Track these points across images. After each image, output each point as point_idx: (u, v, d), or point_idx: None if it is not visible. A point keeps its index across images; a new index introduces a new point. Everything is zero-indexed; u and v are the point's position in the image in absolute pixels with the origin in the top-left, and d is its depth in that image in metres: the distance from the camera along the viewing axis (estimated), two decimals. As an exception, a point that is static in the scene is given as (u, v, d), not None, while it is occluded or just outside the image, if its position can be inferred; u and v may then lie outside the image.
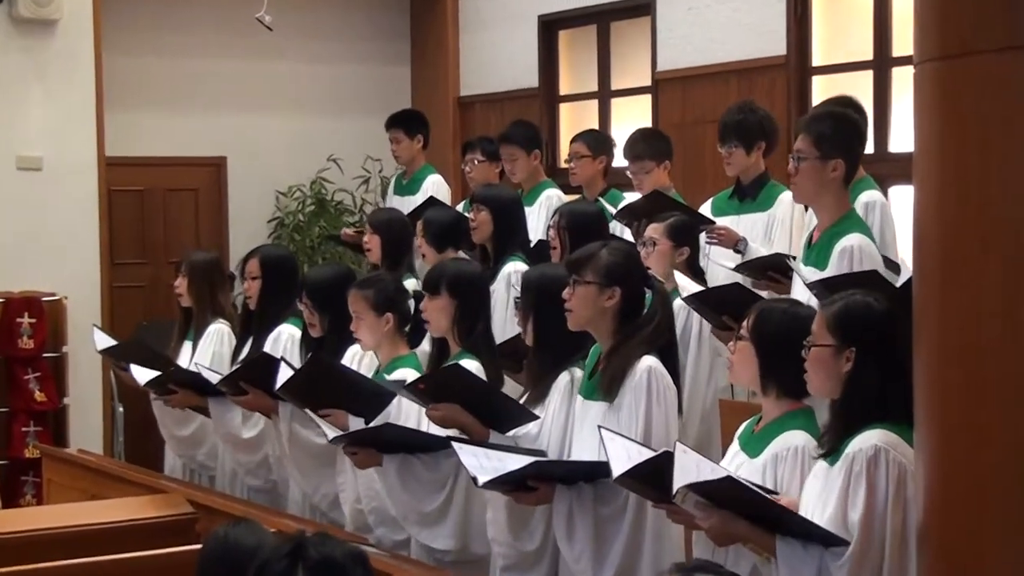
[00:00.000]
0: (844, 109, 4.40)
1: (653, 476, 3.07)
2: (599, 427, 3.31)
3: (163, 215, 8.20)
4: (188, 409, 5.08)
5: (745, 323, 3.18)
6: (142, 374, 5.04)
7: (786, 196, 5.09)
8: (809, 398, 3.16)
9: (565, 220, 4.74)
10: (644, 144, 5.57)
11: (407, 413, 4.08)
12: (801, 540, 2.82)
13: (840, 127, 4.04)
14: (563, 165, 6.11)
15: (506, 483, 3.44)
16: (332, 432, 3.95)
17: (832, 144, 3.97)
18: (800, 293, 4.01)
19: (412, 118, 6.87)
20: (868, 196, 4.71)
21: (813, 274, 3.98)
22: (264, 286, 4.99)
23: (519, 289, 3.91)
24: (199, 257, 5.44)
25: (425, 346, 4.65)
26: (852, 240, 3.99)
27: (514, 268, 5.08)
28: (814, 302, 3.75)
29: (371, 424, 4.05)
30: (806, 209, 4.88)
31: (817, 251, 4.08)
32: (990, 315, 2.25)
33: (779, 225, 5.08)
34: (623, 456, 3.14)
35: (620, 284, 3.52)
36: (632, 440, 3.30)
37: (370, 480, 4.06)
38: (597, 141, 5.89)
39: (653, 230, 4.67)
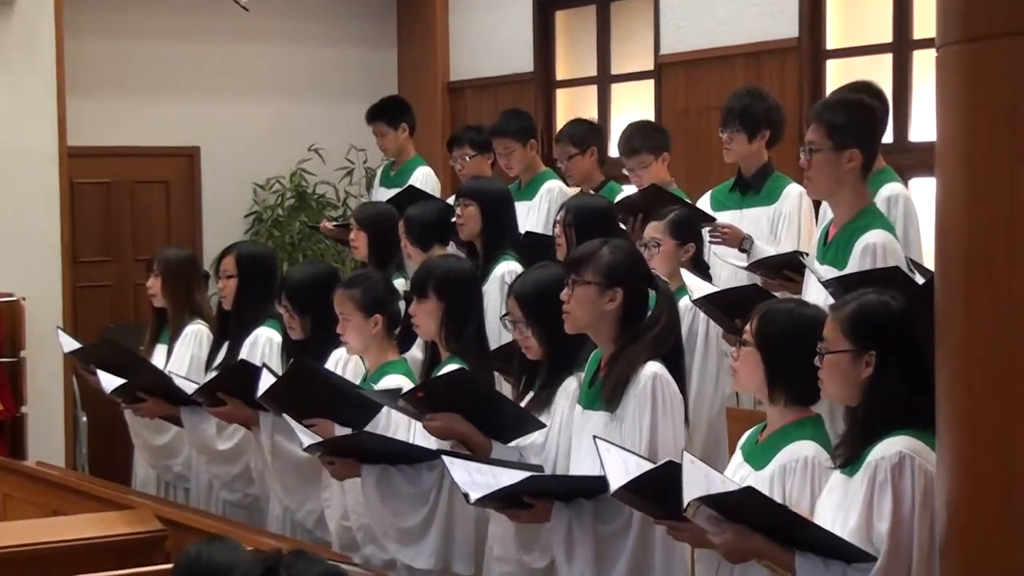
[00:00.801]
0: (859, 95, 4.40)
1: (655, 489, 3.06)
2: (595, 438, 3.30)
3: (130, 209, 8.16)
4: (160, 419, 5.06)
5: (748, 326, 3.17)
6: (110, 381, 5.03)
7: (793, 189, 5.08)
8: (817, 404, 3.15)
9: (572, 215, 4.71)
10: (640, 137, 5.55)
11: (397, 422, 4.07)
12: (822, 556, 2.81)
13: (854, 114, 4.02)
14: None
15: (500, 500, 3.42)
16: (308, 439, 3.94)
17: (846, 133, 3.96)
18: (813, 294, 4.00)
19: (392, 107, 6.85)
20: (890, 189, 4.69)
21: (829, 272, 3.96)
22: (240, 285, 4.97)
23: (506, 305, 3.87)
24: (172, 254, 5.43)
25: (416, 351, 4.65)
26: (875, 237, 3.97)
27: (508, 268, 5.06)
28: (831, 302, 3.74)
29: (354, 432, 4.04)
30: (818, 204, 4.87)
31: (835, 249, 4.06)
32: (1019, 315, 2.25)
33: (786, 220, 5.06)
34: (621, 469, 3.13)
35: (622, 285, 3.51)
36: (631, 452, 3.29)
37: (359, 495, 4.02)
38: (581, 134, 5.81)
39: (653, 229, 4.66)
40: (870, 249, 3.96)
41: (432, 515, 3.85)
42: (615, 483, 3.09)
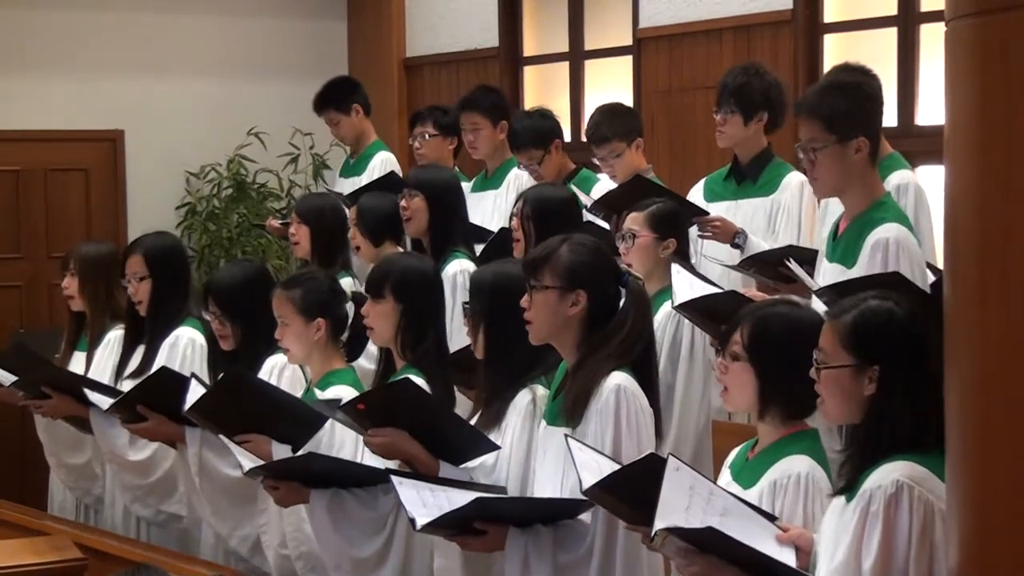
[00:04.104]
0: (852, 76, 4.40)
1: (632, 488, 3.04)
2: (565, 436, 3.29)
3: (44, 200, 8.11)
4: (65, 422, 4.99)
5: (737, 336, 3.14)
6: (9, 375, 4.97)
7: (793, 178, 5.08)
8: (812, 417, 3.14)
9: (530, 207, 4.73)
10: (608, 123, 5.53)
11: (342, 439, 4.05)
12: None
13: (852, 99, 4.02)
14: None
15: (448, 526, 3.40)
16: (249, 462, 3.90)
17: (848, 121, 3.96)
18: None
19: (338, 89, 6.80)
20: (900, 177, 4.70)
21: (835, 271, 3.95)
22: (155, 287, 4.95)
23: (468, 292, 3.87)
24: (90, 250, 5.38)
25: (363, 362, 4.61)
26: (887, 232, 3.96)
27: (459, 267, 5.06)
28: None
29: (298, 452, 4.01)
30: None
31: (845, 244, 4.06)
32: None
33: (784, 212, 5.06)
34: (595, 470, 3.12)
35: (586, 286, 3.49)
36: (605, 456, 3.28)
37: (299, 520, 4.02)
38: (541, 133, 5.78)
39: (632, 220, 4.65)
40: (881, 245, 3.95)
41: (390, 543, 3.82)
42: (588, 481, 3.07)
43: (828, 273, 4.10)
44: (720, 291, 4.34)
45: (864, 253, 3.96)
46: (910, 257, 3.95)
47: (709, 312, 4.19)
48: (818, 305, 3.87)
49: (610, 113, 5.65)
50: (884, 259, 3.92)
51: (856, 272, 3.95)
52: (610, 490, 3.08)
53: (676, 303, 4.25)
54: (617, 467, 3.17)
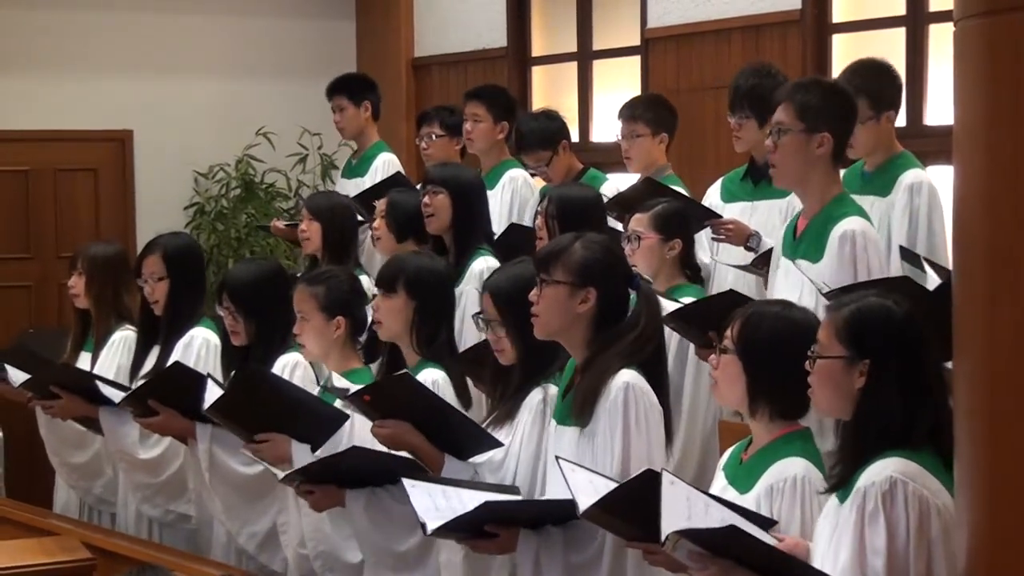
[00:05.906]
0: (830, 80, 4.44)
1: (630, 506, 3.03)
2: (557, 458, 3.28)
3: (53, 200, 8.11)
4: (74, 422, 5.00)
5: (729, 331, 3.16)
6: (21, 375, 4.97)
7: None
8: (805, 418, 3.15)
9: (555, 206, 4.73)
10: (644, 107, 5.59)
11: (360, 437, 4.02)
12: None
13: (827, 97, 4.08)
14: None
15: (459, 529, 3.39)
16: (281, 472, 3.88)
17: (819, 116, 4.01)
18: (782, 290, 4.01)
19: (357, 81, 6.87)
20: (913, 177, 4.71)
21: (808, 268, 3.97)
22: (173, 287, 4.96)
23: (480, 301, 3.86)
24: (99, 250, 5.39)
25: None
26: (852, 224, 4.00)
27: (486, 264, 5.05)
28: (805, 300, 3.75)
29: (318, 451, 3.98)
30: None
31: (807, 241, 4.09)
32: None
33: (799, 215, 5.06)
34: (589, 490, 3.11)
35: (596, 284, 3.49)
36: (599, 474, 3.27)
37: (318, 520, 4.02)
38: (547, 134, 5.79)
39: (637, 222, 4.67)
40: (848, 237, 3.99)
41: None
42: (584, 503, 3.06)
43: (791, 271, 4.13)
44: (717, 294, 4.36)
45: (831, 245, 4.00)
46: (875, 249, 4.01)
47: (703, 318, 4.19)
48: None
49: (651, 100, 5.74)
50: (852, 251, 3.98)
51: (824, 266, 4.00)
52: (608, 509, 3.07)
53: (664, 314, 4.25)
54: (612, 485, 3.16)
